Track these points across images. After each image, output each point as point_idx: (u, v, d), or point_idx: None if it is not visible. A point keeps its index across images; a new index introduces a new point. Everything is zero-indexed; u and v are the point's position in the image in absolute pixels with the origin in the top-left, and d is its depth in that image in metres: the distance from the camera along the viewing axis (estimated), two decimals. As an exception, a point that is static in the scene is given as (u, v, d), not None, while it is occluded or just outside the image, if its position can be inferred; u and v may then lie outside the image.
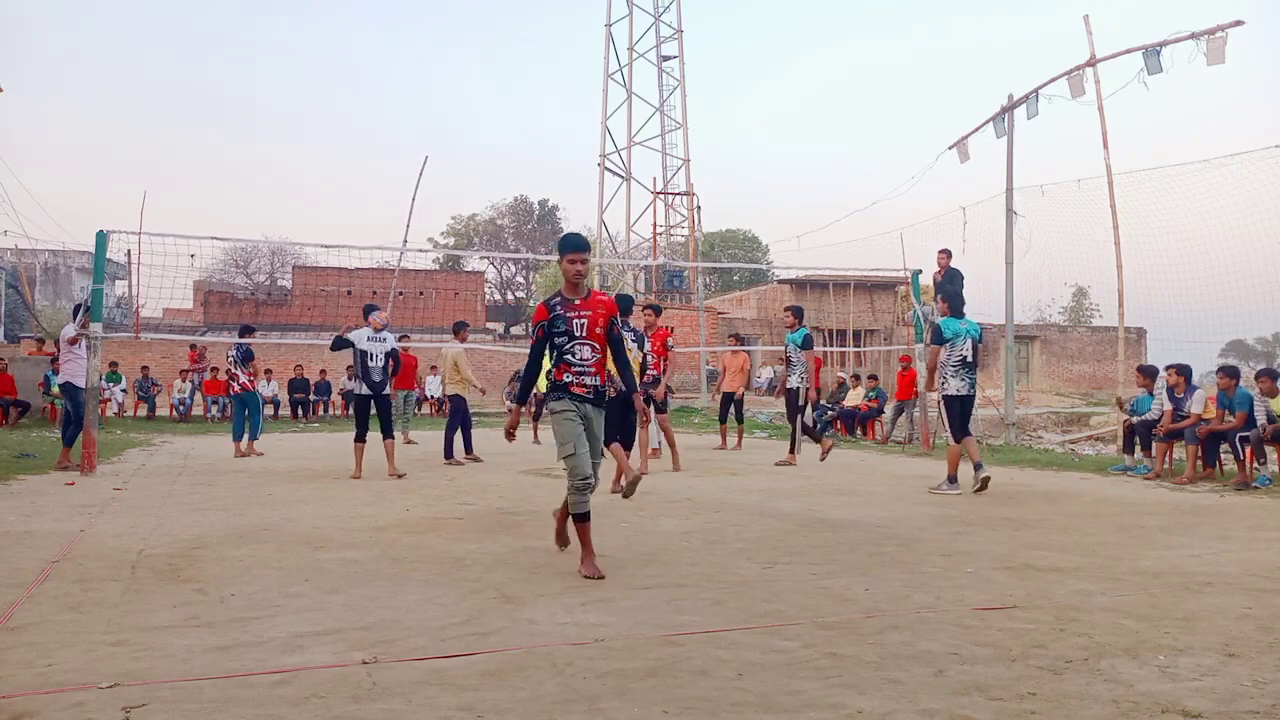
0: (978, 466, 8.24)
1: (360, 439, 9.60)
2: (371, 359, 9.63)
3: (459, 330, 12.24)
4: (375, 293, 34.27)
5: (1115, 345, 17.72)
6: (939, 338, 8.55)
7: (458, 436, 11.40)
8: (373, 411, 9.72)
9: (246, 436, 12.40)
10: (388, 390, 9.80)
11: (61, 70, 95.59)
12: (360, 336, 9.70)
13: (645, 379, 9.18)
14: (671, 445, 10.48)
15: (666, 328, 9.66)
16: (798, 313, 11.18)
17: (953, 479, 8.32)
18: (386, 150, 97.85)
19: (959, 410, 8.50)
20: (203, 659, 3.22)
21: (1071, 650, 3.34)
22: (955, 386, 8.50)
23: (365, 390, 9.68)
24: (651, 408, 10.20)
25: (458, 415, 11.46)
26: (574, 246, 4.85)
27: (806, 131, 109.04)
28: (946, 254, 13.14)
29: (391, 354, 9.85)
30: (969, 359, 8.51)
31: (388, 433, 9.70)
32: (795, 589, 4.37)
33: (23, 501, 7.40)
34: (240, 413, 12.59)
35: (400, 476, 9.36)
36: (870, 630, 3.63)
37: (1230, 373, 9.66)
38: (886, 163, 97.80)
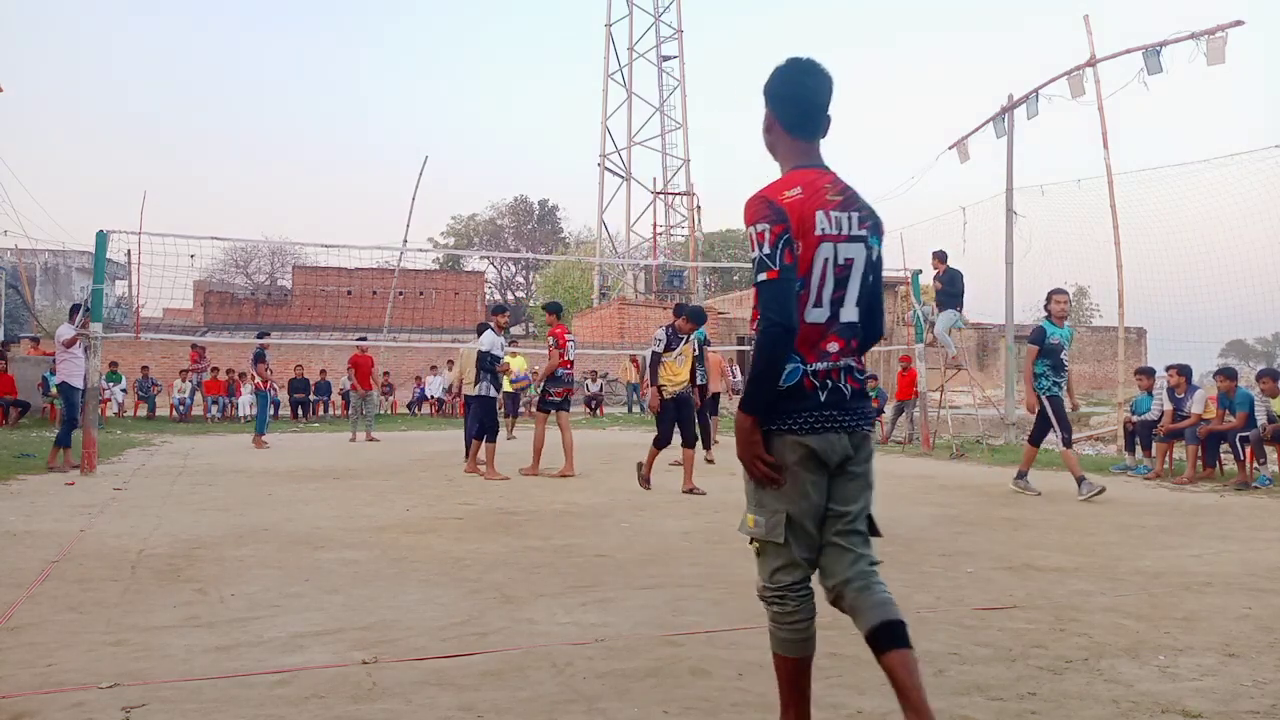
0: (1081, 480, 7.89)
1: (493, 439, 9.67)
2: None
3: (483, 331, 12.29)
4: (375, 293, 34.32)
5: (1115, 345, 17.71)
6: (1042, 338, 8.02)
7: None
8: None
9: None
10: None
11: (63, 71, 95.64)
12: (498, 343, 9.81)
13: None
14: (537, 450, 9.70)
15: (564, 327, 9.84)
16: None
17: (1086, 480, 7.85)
18: (386, 150, 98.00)
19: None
20: (203, 659, 3.22)
21: (1071, 650, 3.34)
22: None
23: (495, 392, 9.83)
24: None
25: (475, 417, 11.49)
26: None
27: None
28: (939, 256, 13.14)
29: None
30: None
31: (492, 435, 9.73)
32: (795, 589, 4.35)
33: (23, 501, 7.39)
34: (265, 407, 14.14)
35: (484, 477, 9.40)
36: (870, 630, 3.62)
37: (1229, 374, 9.67)
38: (886, 163, 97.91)
